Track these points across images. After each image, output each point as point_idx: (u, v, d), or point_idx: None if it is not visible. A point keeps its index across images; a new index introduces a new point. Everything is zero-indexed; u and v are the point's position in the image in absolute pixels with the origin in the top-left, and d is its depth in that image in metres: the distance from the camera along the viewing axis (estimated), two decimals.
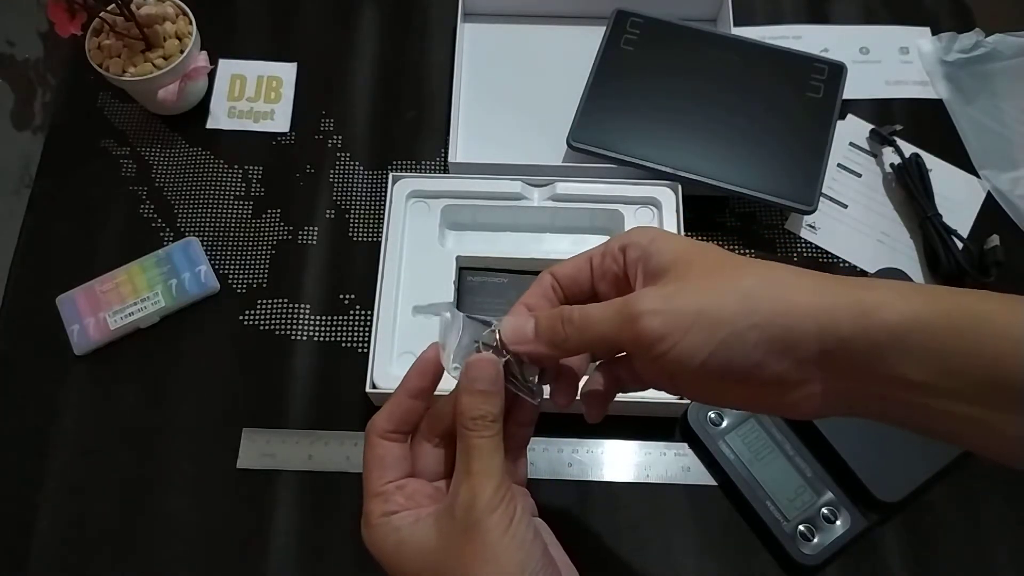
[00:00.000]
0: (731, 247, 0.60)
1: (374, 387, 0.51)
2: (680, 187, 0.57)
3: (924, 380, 0.29)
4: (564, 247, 0.58)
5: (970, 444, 0.30)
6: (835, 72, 0.61)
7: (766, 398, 0.32)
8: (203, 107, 0.65)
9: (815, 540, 0.49)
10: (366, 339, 0.56)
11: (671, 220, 0.56)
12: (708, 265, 0.32)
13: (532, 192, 0.57)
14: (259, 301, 0.58)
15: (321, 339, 0.57)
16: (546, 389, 0.38)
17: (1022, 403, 0.28)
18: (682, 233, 0.55)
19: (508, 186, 0.57)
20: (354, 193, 0.62)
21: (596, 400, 0.38)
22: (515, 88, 0.66)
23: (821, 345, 0.30)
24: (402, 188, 0.57)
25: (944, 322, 0.29)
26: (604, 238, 0.57)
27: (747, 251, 0.60)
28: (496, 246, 0.57)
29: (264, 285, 0.59)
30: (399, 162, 0.63)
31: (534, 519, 0.36)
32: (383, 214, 0.56)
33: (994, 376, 0.28)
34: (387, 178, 0.57)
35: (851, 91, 0.63)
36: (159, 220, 0.61)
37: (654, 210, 0.57)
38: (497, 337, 0.35)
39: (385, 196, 0.56)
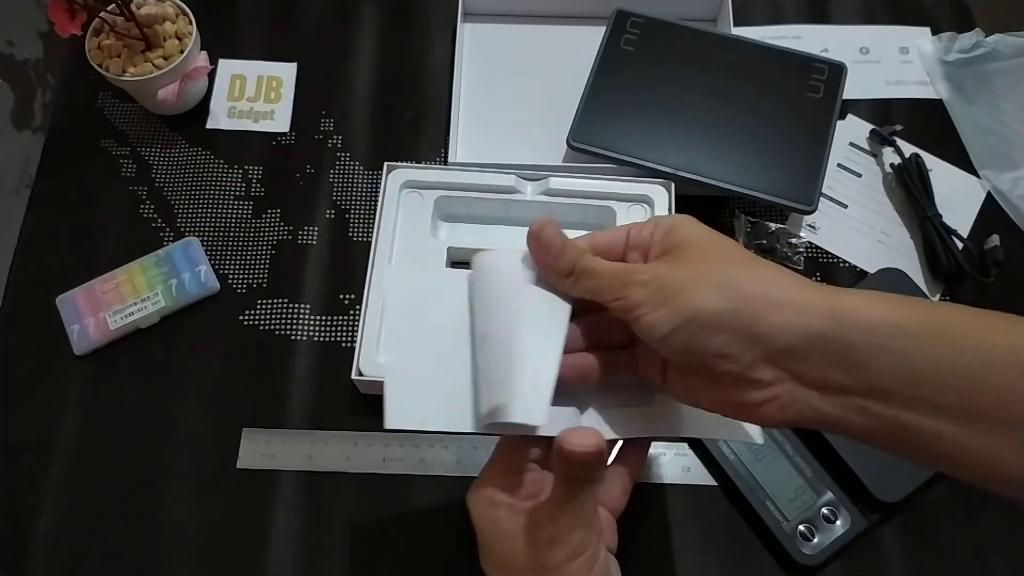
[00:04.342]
0: None
1: (360, 374, 0.51)
2: (673, 186, 0.56)
3: (896, 389, 0.29)
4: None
5: (947, 465, 0.30)
6: (835, 72, 0.61)
7: (730, 396, 0.32)
8: (203, 107, 0.65)
9: (815, 540, 0.49)
10: None
11: None
12: (711, 253, 0.34)
13: (525, 186, 0.57)
14: (259, 301, 0.58)
15: (321, 339, 0.57)
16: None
17: (998, 421, 0.27)
18: None
19: (502, 179, 0.57)
20: (354, 193, 0.62)
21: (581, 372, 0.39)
22: (515, 88, 0.66)
23: (789, 339, 0.30)
24: (396, 178, 0.56)
25: (918, 328, 0.29)
26: None
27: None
28: (488, 239, 0.57)
29: (264, 285, 0.59)
30: (399, 162, 0.63)
31: (609, 557, 0.37)
32: None
33: (969, 388, 0.28)
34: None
35: (851, 91, 0.63)
36: (159, 220, 0.61)
37: (647, 208, 0.56)
38: None
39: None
